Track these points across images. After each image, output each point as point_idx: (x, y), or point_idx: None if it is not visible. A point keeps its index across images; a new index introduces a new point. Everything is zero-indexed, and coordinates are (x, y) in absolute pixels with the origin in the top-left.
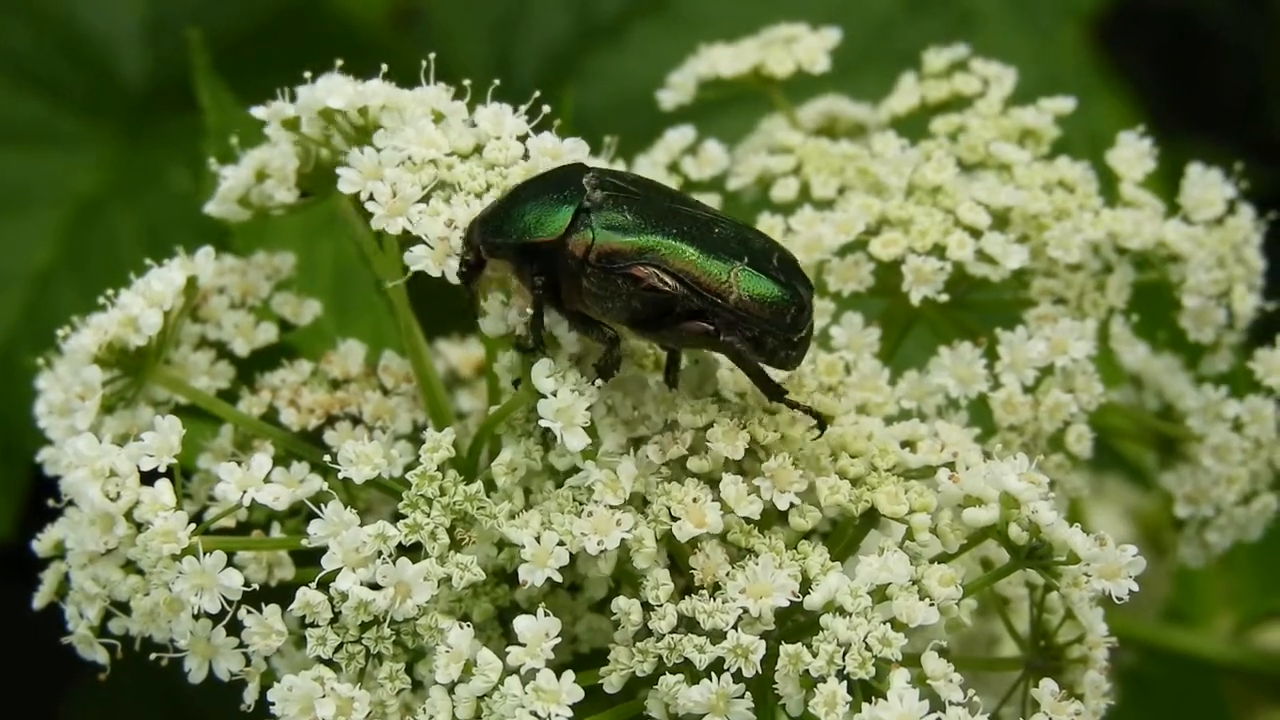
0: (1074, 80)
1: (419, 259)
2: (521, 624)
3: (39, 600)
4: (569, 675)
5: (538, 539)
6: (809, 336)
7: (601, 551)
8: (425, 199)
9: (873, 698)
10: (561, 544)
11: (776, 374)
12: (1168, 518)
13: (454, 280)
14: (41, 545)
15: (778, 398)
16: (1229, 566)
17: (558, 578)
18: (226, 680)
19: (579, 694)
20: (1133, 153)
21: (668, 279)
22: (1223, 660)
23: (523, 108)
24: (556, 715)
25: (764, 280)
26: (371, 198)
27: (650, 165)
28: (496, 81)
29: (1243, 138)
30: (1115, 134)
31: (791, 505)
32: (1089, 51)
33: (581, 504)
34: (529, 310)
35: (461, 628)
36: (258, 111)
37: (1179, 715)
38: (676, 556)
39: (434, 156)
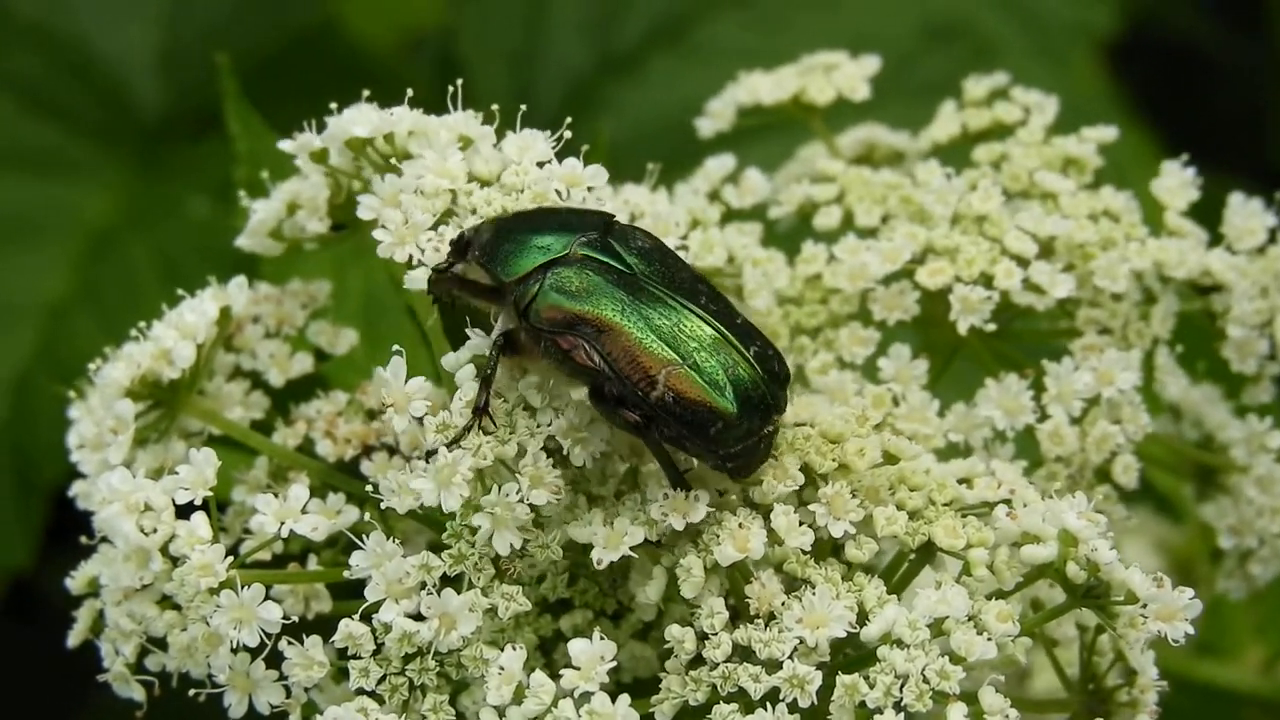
0: (1094, 109)
1: (416, 280)
2: (576, 647)
3: (74, 638)
4: (624, 699)
5: (608, 525)
6: (750, 453)
7: (672, 540)
8: (436, 226)
9: None
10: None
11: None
12: (1198, 550)
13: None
14: (76, 583)
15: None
16: (1258, 597)
17: (634, 555)
18: (267, 713)
19: (634, 718)
20: (1176, 181)
21: (595, 356)
22: (1252, 692)
23: (553, 134)
24: None
25: (699, 386)
26: (383, 225)
27: (691, 193)
28: (524, 107)
29: (1243, 165)
30: (1136, 162)
31: (848, 535)
32: (1104, 80)
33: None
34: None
35: (514, 649)
36: (285, 145)
37: None
38: (731, 587)
39: (449, 186)
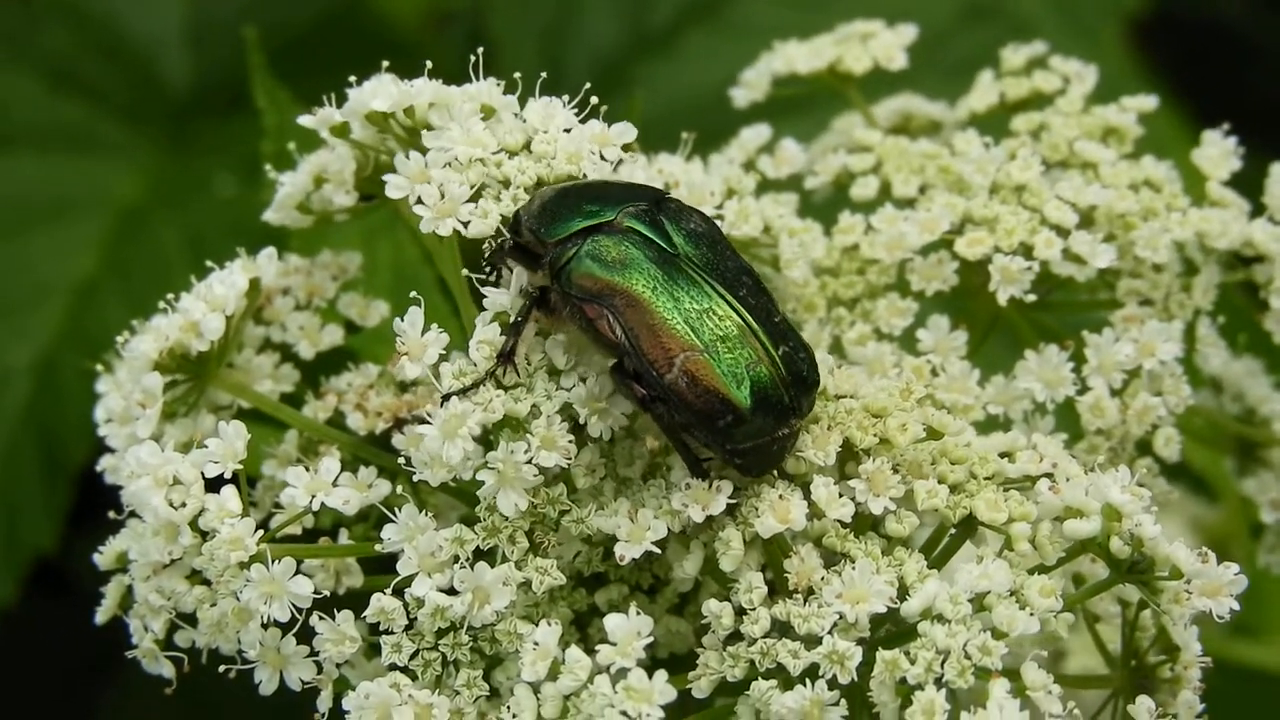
0: (1130, 88)
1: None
2: (612, 622)
3: (101, 615)
4: (661, 675)
5: (632, 519)
6: (760, 453)
7: (706, 519)
8: (474, 198)
9: (972, 708)
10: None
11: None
12: (1234, 529)
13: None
14: (104, 558)
15: (699, 475)
16: None
17: (657, 550)
18: (298, 690)
19: (672, 694)
20: (1217, 151)
21: (617, 329)
22: None
23: (572, 101)
24: (648, 715)
25: (715, 375)
26: (420, 201)
27: (726, 163)
28: (544, 75)
29: (1272, 143)
30: (1172, 141)
31: (887, 510)
32: (1135, 59)
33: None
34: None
35: (550, 624)
36: (305, 120)
37: None
38: (768, 561)
39: (480, 155)
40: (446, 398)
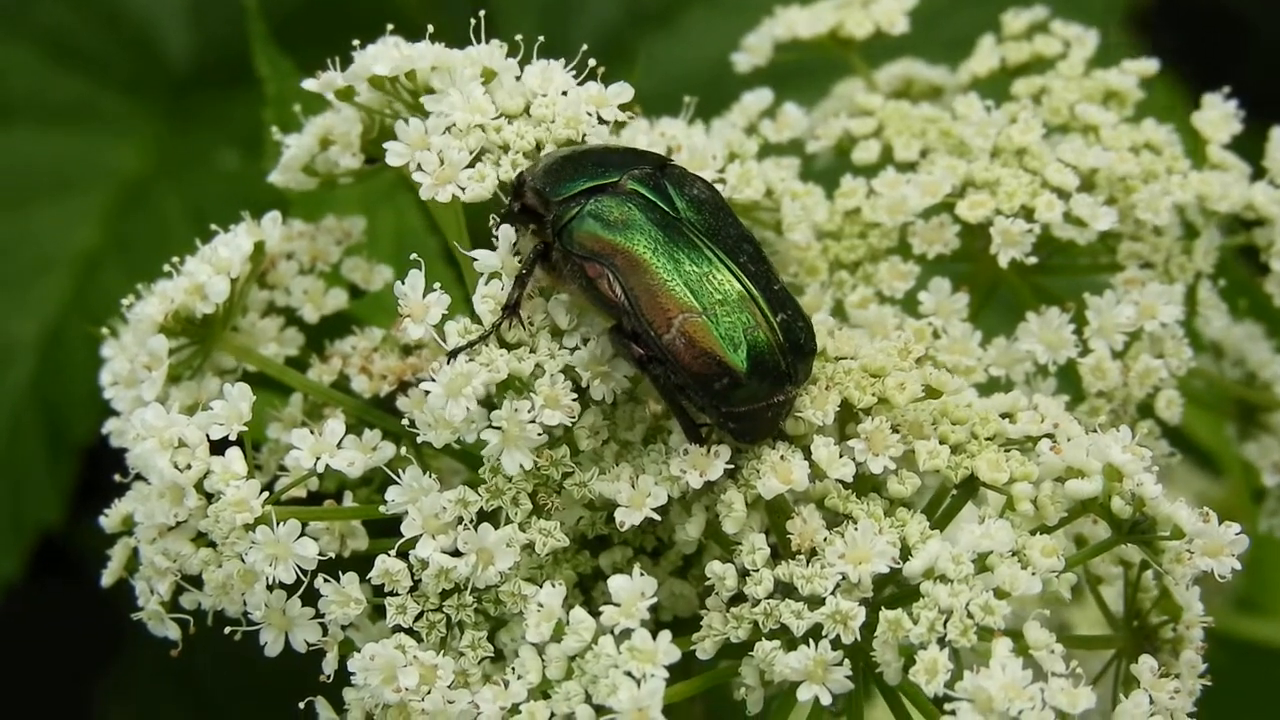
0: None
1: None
2: (616, 583)
3: (107, 577)
4: (665, 635)
5: (633, 485)
6: (755, 418)
7: (706, 484)
8: (473, 163)
9: (975, 666)
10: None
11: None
12: (1239, 504)
13: None
14: (109, 520)
15: (695, 440)
16: None
17: (656, 517)
18: (303, 651)
19: (676, 654)
20: (1218, 114)
21: (617, 289)
22: None
23: (569, 65)
24: (652, 675)
25: (713, 338)
26: (420, 168)
27: (728, 127)
28: (540, 38)
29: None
30: (1174, 118)
31: (887, 471)
32: (1137, 43)
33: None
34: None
35: (554, 586)
36: (309, 84)
37: (1245, 704)
38: (771, 523)
39: (480, 121)
40: (452, 355)
